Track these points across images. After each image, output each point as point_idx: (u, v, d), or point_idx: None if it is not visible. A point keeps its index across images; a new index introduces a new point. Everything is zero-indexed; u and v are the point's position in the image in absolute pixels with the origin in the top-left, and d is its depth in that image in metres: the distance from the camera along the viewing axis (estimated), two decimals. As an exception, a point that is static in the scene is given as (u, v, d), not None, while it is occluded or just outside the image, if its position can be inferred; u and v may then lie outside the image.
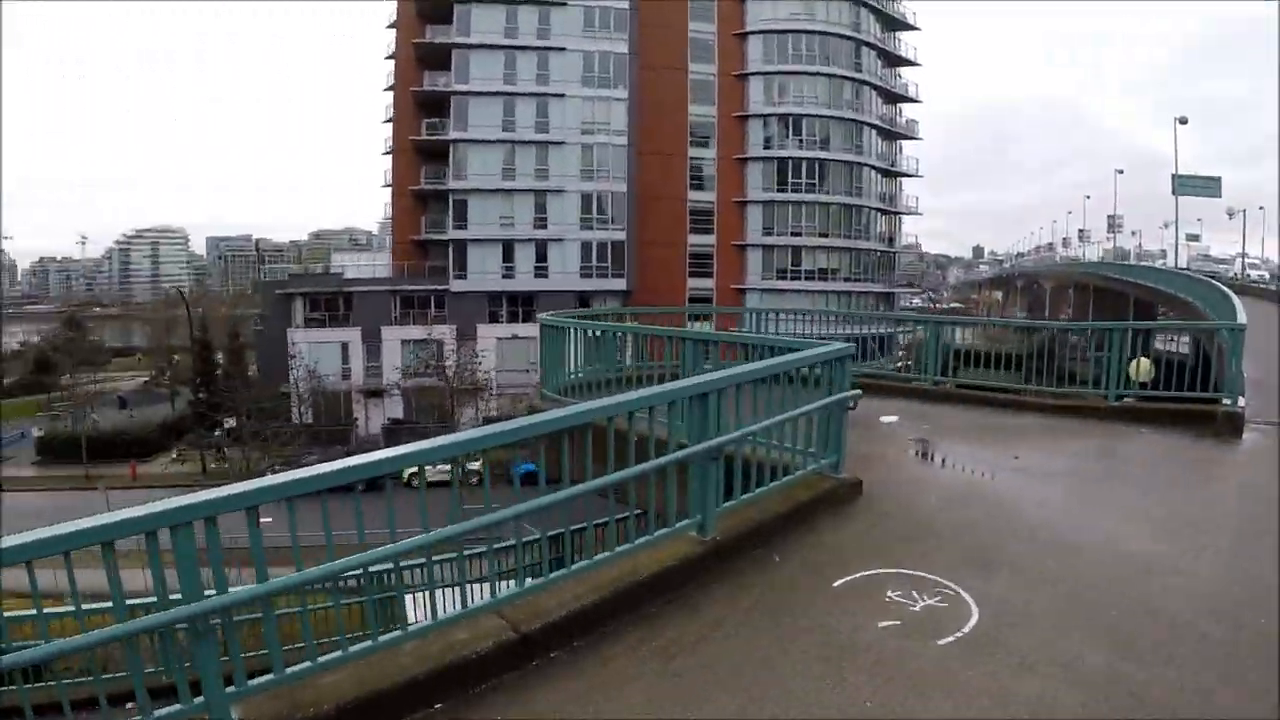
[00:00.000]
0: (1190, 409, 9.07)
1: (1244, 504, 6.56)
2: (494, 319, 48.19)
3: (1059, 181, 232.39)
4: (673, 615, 4.37)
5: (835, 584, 4.72)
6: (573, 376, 9.93)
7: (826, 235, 50.72)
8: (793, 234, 50.46)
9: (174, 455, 45.35)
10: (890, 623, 4.26)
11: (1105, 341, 9.80)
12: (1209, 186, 52.90)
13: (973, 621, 4.25)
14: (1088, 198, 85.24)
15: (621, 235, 48.69)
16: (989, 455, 7.74)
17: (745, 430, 5.17)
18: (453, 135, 48.46)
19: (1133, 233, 73.38)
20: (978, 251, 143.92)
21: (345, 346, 47.83)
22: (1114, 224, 66.33)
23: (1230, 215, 54.20)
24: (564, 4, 48.92)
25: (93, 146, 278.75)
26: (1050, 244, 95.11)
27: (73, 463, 42.47)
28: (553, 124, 48.75)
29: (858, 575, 4.81)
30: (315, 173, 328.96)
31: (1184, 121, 52.27)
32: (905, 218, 57.80)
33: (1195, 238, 62.13)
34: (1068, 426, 9.26)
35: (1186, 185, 52.11)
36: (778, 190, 50.34)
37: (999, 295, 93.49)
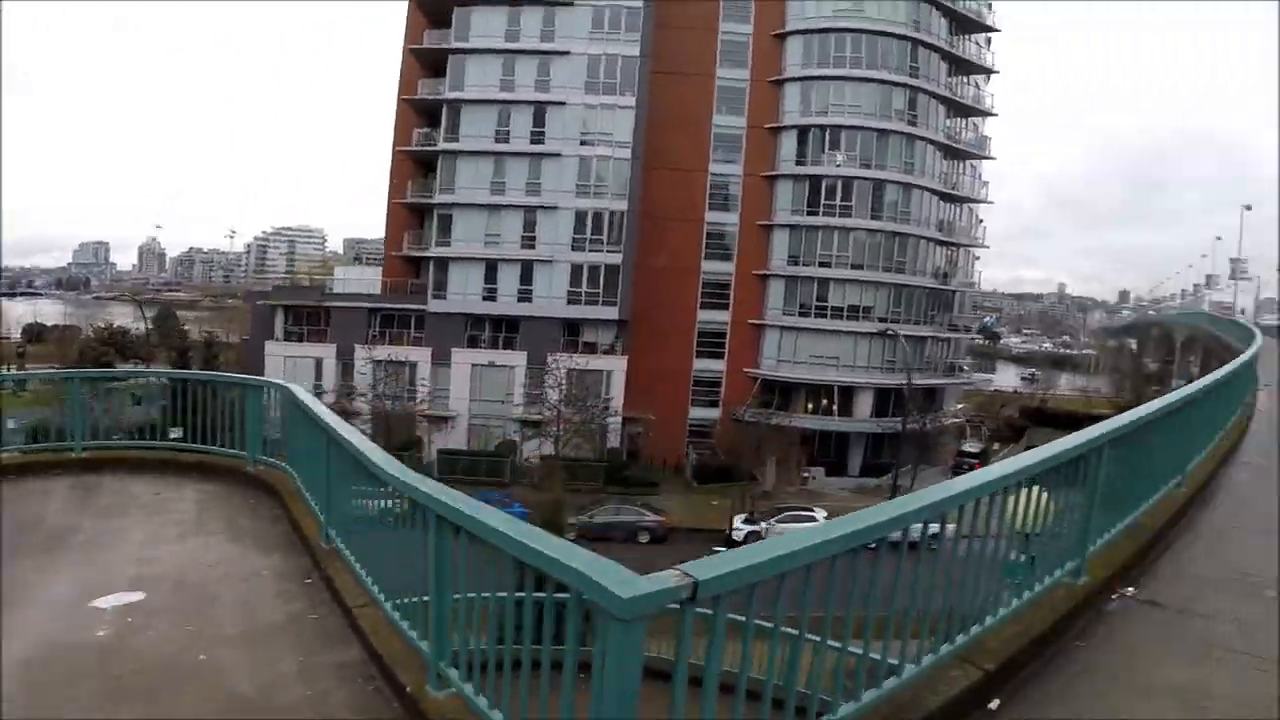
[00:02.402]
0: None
1: None
2: (473, 343, 43.23)
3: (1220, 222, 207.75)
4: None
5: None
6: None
7: (861, 267, 42.39)
8: (821, 264, 42.53)
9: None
10: None
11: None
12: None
13: None
14: (1219, 239, 71.81)
15: (618, 259, 42.49)
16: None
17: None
18: (441, 145, 44.34)
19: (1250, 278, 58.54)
20: (1123, 296, 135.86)
21: (319, 363, 44.33)
22: (1237, 269, 53.11)
23: None
24: (570, 4, 44.00)
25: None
26: (1195, 286, 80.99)
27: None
28: (550, 134, 43.53)
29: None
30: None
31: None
32: (976, 250, 47.90)
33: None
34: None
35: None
36: (808, 213, 42.72)
37: (1133, 343, 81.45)
